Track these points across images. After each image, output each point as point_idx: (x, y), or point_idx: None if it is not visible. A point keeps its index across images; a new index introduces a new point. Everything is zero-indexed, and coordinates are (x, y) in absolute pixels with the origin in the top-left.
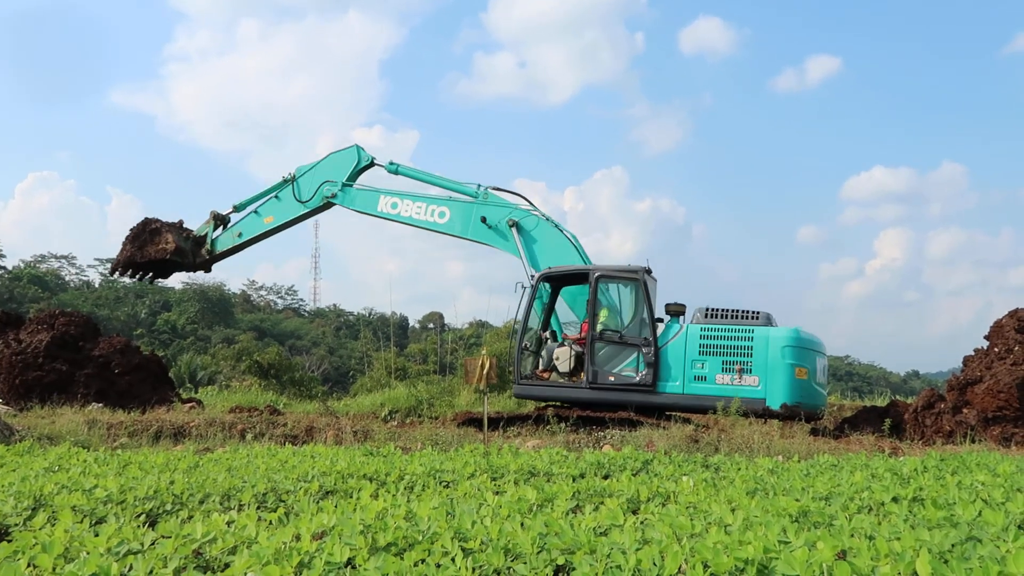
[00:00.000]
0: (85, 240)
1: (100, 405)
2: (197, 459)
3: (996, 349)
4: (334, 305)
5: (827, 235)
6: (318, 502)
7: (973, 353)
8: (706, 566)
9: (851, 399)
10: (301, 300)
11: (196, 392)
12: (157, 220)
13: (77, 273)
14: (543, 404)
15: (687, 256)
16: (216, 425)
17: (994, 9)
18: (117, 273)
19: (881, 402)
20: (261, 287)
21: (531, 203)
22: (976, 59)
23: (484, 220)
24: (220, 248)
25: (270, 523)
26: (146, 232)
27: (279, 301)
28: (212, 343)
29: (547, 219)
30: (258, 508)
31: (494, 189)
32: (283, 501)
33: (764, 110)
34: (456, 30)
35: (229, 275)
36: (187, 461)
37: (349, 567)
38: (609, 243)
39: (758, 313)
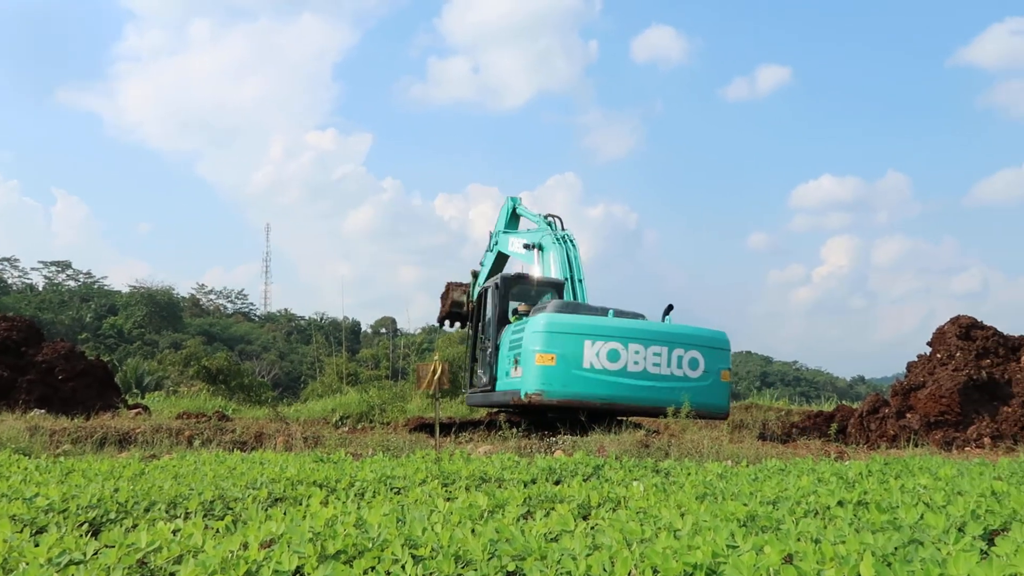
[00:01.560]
0: (29, 242)
1: (43, 411)
2: (143, 466)
3: (938, 355)
4: (285, 309)
5: (776, 242)
6: (267, 510)
7: (916, 359)
8: (655, 571)
9: (799, 404)
10: (252, 304)
11: (143, 398)
12: (451, 283)
13: (20, 276)
14: (494, 409)
15: (639, 262)
16: (163, 431)
17: (938, 23)
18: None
19: (828, 407)
20: (211, 291)
21: (551, 223)
22: (920, 71)
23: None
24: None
25: (217, 531)
26: (446, 291)
27: (229, 305)
28: (160, 348)
29: (557, 238)
30: (205, 516)
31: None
32: (231, 509)
33: (715, 118)
34: (410, 34)
35: (178, 279)
36: (132, 468)
37: (297, 575)
38: None
39: (606, 309)
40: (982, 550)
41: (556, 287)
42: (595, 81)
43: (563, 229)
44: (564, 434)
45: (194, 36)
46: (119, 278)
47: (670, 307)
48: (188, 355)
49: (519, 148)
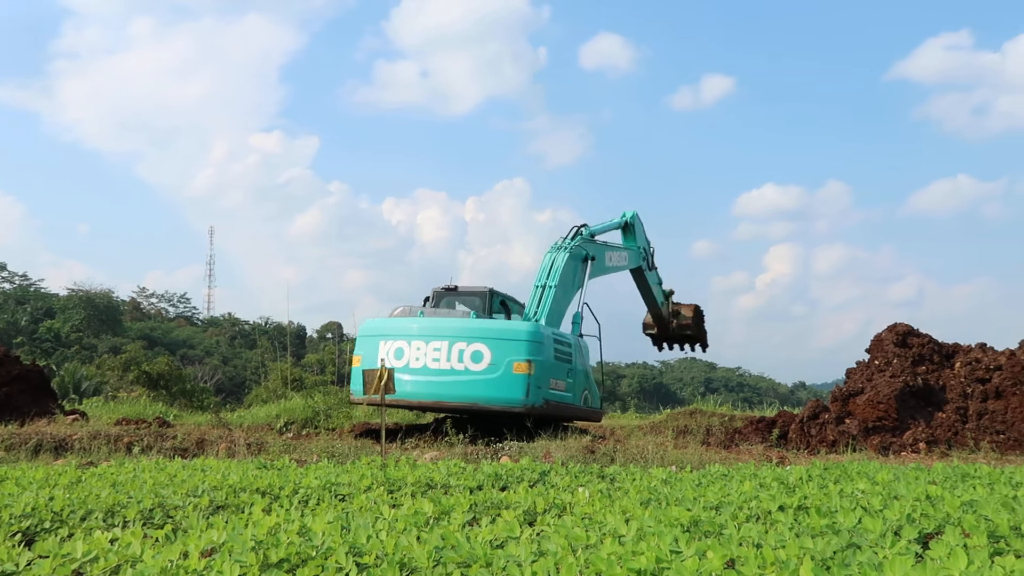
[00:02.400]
0: None
1: None
2: (79, 474)
3: (876, 362)
4: (229, 314)
5: (721, 249)
6: (208, 518)
7: (855, 365)
8: None
9: (742, 409)
10: (194, 308)
11: (80, 403)
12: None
13: None
14: (441, 414)
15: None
16: (101, 438)
17: (877, 37)
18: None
19: (770, 413)
20: (152, 294)
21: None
22: (859, 83)
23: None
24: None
25: (156, 540)
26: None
27: (171, 309)
28: (98, 352)
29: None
30: (144, 525)
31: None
32: (171, 517)
33: (661, 126)
34: (358, 37)
35: (118, 282)
36: (68, 476)
37: None
38: (511, 254)
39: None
40: (917, 553)
41: (481, 295)
42: (544, 87)
43: (572, 239)
44: (510, 440)
45: (135, 34)
46: (56, 280)
47: (426, 299)
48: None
49: (468, 153)
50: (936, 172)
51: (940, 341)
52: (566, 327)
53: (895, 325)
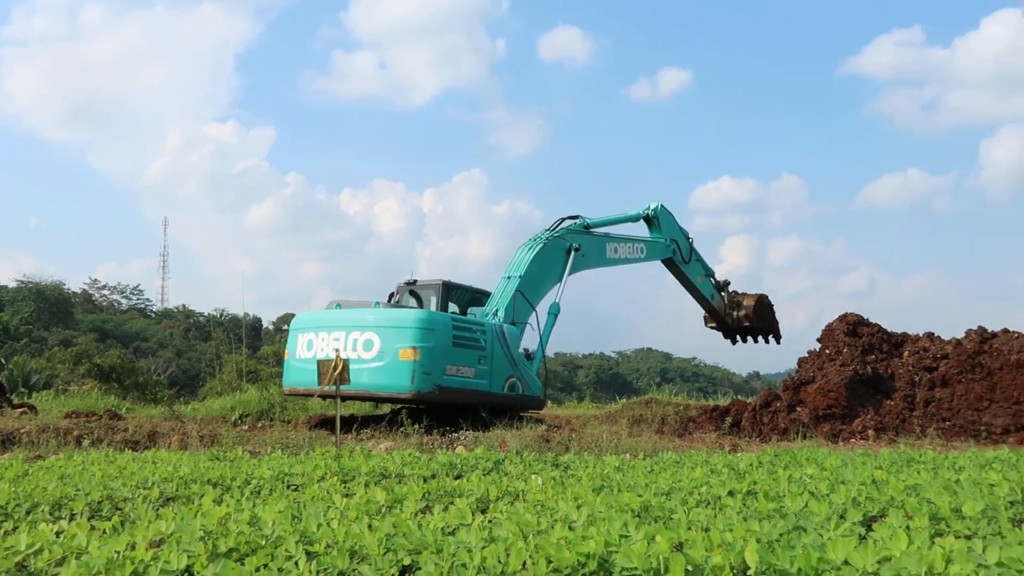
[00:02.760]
0: None
1: None
2: (26, 467)
3: (827, 351)
4: (183, 306)
5: None
6: (157, 509)
7: (807, 355)
8: (549, 562)
9: (697, 399)
10: (148, 300)
11: (30, 397)
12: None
13: None
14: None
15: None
16: (50, 431)
17: (831, 33)
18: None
19: (724, 402)
20: (104, 286)
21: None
22: (814, 78)
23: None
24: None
25: (104, 532)
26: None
27: (123, 301)
28: (49, 345)
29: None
30: (91, 517)
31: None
32: (120, 509)
33: (619, 118)
34: (315, 27)
35: (69, 273)
36: (15, 469)
37: (187, 574)
38: (468, 245)
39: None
40: (861, 535)
41: (435, 288)
42: (502, 79)
43: (554, 229)
44: (466, 430)
45: (86, 22)
46: (5, 272)
47: (391, 295)
48: (79, 353)
49: (425, 144)
50: (887, 166)
51: (889, 331)
52: (542, 317)
53: (846, 315)
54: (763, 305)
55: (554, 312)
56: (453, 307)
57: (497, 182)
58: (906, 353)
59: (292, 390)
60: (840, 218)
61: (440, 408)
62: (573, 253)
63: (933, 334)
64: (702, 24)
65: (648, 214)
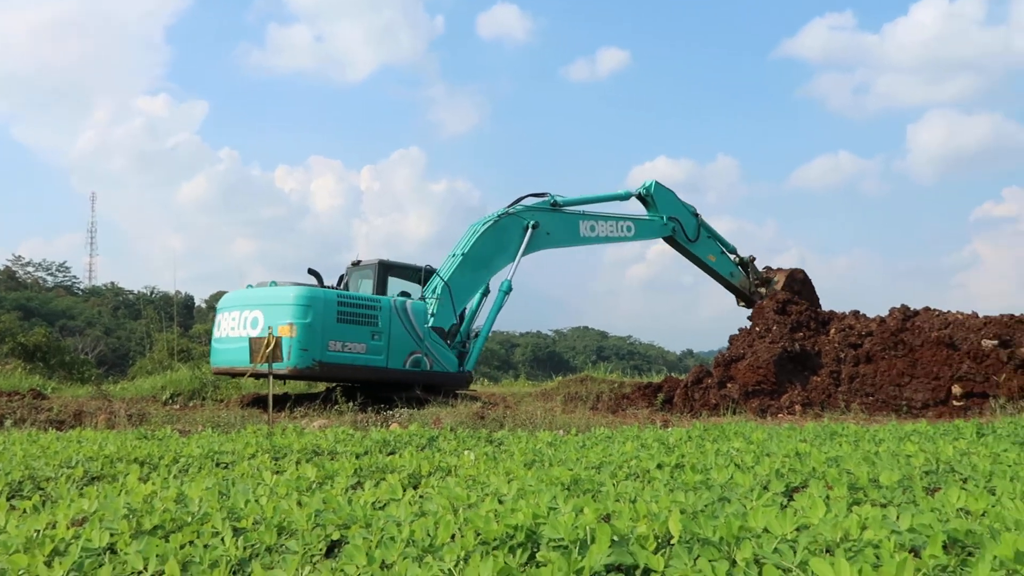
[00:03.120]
0: None
1: None
2: None
3: (757, 328)
4: (112, 283)
5: None
6: (81, 489)
7: (738, 332)
8: (478, 534)
9: (632, 376)
10: (75, 278)
11: None
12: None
13: None
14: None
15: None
16: None
17: (767, 15)
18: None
19: (657, 379)
20: (28, 263)
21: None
22: (748, 60)
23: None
24: None
25: (24, 512)
26: None
27: (49, 278)
28: None
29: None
30: (11, 497)
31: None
32: (42, 489)
33: (558, 97)
34: None
35: None
36: None
37: (110, 552)
38: (406, 223)
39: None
40: (782, 504)
41: (372, 268)
42: (440, 56)
43: (511, 206)
44: (401, 407)
45: None
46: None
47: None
48: (2, 331)
49: (363, 121)
50: (819, 148)
51: (817, 309)
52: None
53: (775, 294)
54: (795, 280)
55: (504, 290)
56: (397, 286)
57: (435, 160)
58: (833, 330)
59: (217, 369)
60: (773, 199)
61: (328, 382)
62: (531, 231)
63: (859, 312)
64: (641, 4)
65: (640, 192)
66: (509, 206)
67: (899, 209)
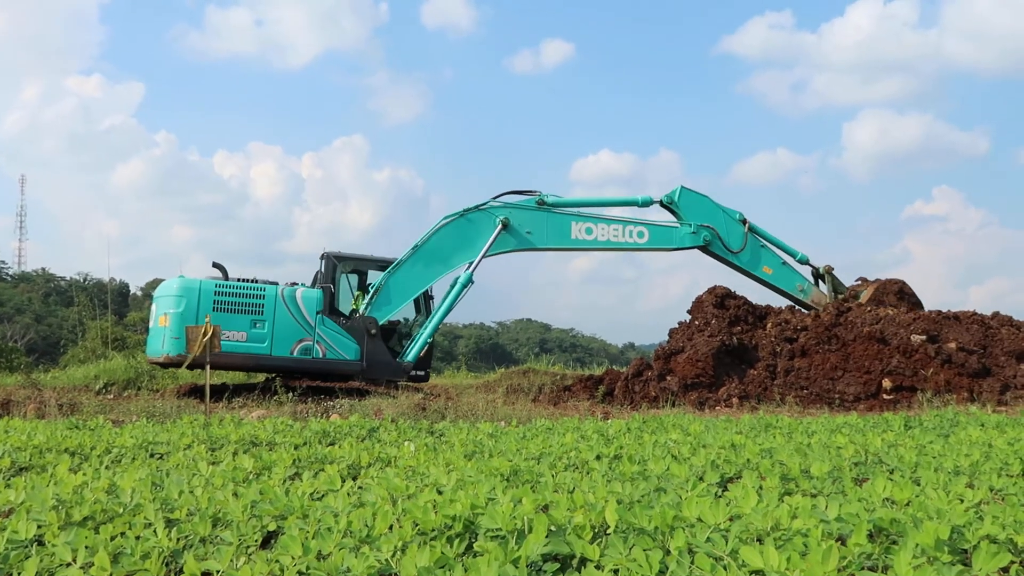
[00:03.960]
0: None
1: None
2: None
3: (697, 322)
4: (43, 269)
5: None
6: (8, 479)
7: (678, 326)
8: (416, 524)
9: (574, 369)
10: (3, 263)
11: None
12: None
13: None
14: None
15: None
16: None
17: (706, 13)
18: None
19: (599, 371)
20: None
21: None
22: (690, 56)
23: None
24: None
25: None
26: None
27: None
28: None
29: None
30: None
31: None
32: None
33: (501, 88)
34: None
35: None
36: None
37: (37, 544)
38: (348, 212)
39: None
40: (716, 495)
41: (322, 259)
42: (384, 43)
43: (485, 203)
44: (342, 398)
45: None
46: None
47: (215, 264)
48: None
49: (304, 107)
50: (758, 144)
51: (754, 303)
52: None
53: (714, 288)
54: (888, 292)
55: (462, 283)
56: (353, 278)
57: (378, 148)
58: (769, 325)
59: (152, 359)
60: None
61: (307, 376)
62: (500, 228)
63: (794, 307)
64: None
65: (664, 201)
66: (484, 202)
67: (835, 205)
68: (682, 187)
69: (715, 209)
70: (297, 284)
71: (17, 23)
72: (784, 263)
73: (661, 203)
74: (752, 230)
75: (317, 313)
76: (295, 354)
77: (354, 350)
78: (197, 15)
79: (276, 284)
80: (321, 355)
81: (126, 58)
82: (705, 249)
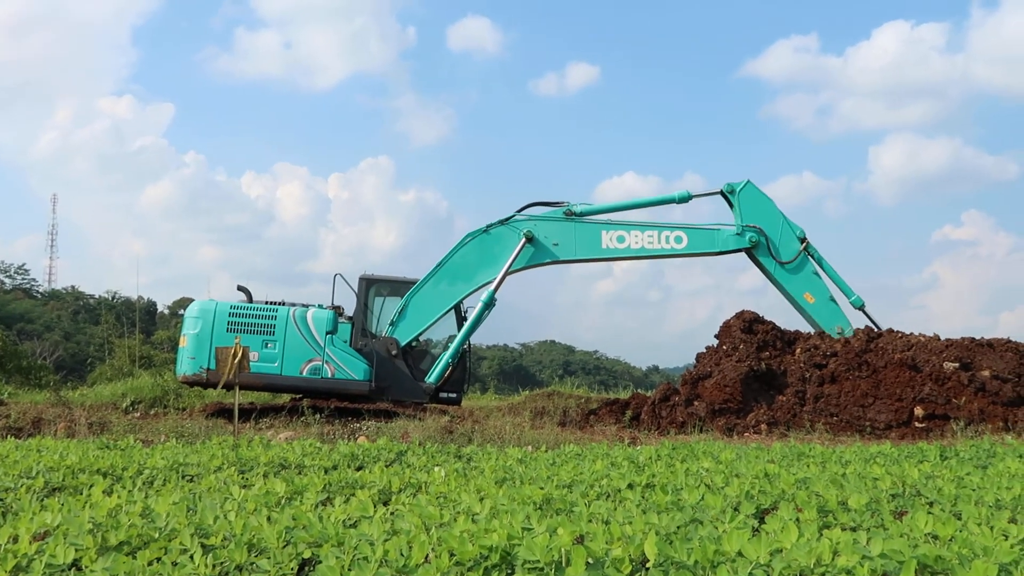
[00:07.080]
0: None
1: None
2: None
3: (724, 347)
4: (72, 287)
5: None
6: (42, 500)
7: (705, 350)
8: (452, 555)
9: (598, 392)
10: (34, 280)
11: None
12: None
13: None
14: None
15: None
16: None
17: (734, 34)
18: None
19: (624, 395)
20: None
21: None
22: (714, 80)
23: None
24: None
25: None
26: None
27: (7, 281)
28: None
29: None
30: None
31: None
32: (1, 500)
33: (527, 111)
34: (217, 3)
35: None
36: None
37: (74, 569)
38: (374, 233)
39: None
40: (754, 527)
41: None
42: (410, 66)
43: (509, 217)
44: (368, 420)
45: None
46: None
47: (240, 287)
48: None
49: (331, 129)
50: (784, 168)
51: (783, 328)
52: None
53: (742, 312)
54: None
55: (486, 303)
56: (384, 300)
57: (404, 170)
58: (798, 350)
59: (184, 377)
60: None
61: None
62: (524, 242)
63: (824, 332)
64: (610, 21)
65: (724, 190)
66: (511, 215)
67: (861, 230)
68: (749, 181)
69: (776, 214)
70: (310, 305)
71: (51, 46)
72: (832, 299)
73: (722, 192)
74: (810, 253)
75: (327, 333)
76: (304, 374)
77: (363, 370)
78: (226, 38)
79: (294, 305)
80: (330, 375)
81: (156, 80)
82: (750, 253)
